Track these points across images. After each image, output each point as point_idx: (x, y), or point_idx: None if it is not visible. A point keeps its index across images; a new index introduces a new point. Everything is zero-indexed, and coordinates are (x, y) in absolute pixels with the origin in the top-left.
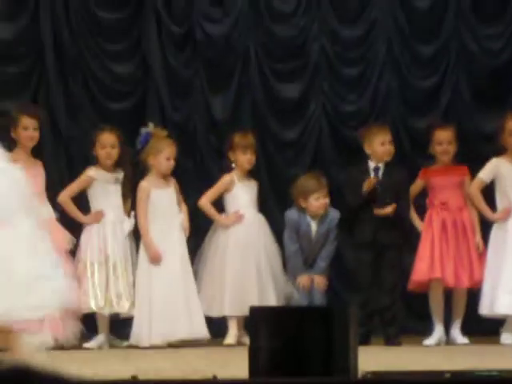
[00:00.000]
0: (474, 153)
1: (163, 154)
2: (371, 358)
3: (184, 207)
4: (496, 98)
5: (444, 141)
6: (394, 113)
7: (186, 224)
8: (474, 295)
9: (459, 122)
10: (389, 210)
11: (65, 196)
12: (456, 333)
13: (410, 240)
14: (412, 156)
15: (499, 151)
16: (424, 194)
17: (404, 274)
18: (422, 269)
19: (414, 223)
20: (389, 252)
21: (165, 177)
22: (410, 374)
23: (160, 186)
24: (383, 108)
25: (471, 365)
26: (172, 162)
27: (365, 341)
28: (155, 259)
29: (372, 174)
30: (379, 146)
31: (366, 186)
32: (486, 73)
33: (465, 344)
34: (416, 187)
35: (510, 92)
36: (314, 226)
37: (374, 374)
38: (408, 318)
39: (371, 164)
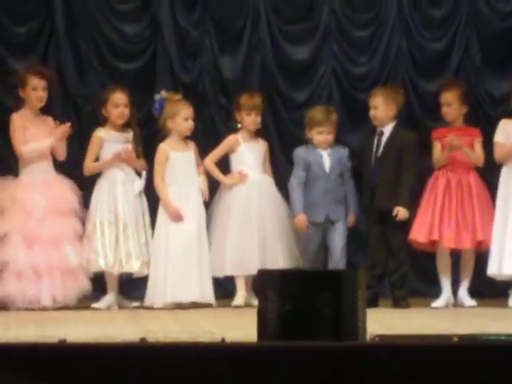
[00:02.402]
0: (484, 115)
1: (180, 116)
2: (379, 321)
3: (203, 171)
4: (506, 60)
5: (444, 102)
6: (403, 75)
7: (205, 187)
8: (483, 257)
9: (469, 84)
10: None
11: (89, 164)
12: (464, 295)
13: (414, 204)
14: (422, 118)
15: (510, 114)
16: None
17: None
18: (420, 230)
19: None
20: (393, 215)
21: (185, 140)
22: (418, 337)
23: (179, 149)
24: (393, 70)
25: (479, 328)
26: (190, 122)
27: (373, 303)
28: (176, 216)
29: (376, 138)
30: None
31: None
32: (496, 35)
33: (472, 306)
34: (436, 150)
35: None
36: (325, 155)
37: (382, 337)
38: (417, 280)
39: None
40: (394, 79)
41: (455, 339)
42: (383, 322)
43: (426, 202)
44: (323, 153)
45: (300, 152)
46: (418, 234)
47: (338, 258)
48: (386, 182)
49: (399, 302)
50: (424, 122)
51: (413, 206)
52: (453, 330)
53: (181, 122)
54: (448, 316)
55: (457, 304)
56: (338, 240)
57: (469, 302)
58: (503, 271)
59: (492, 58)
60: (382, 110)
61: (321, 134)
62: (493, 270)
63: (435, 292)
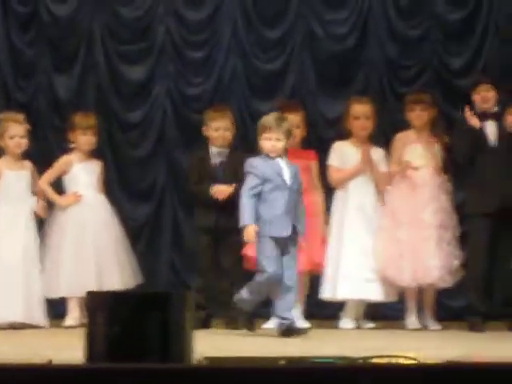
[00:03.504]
0: (317, 137)
1: (7, 134)
2: (211, 343)
3: (39, 191)
4: (341, 82)
5: None
6: (238, 96)
7: (40, 207)
8: (316, 279)
9: (304, 105)
10: (228, 189)
11: None
12: (297, 317)
13: None
14: (255, 140)
15: (342, 135)
16: None
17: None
18: None
19: None
20: (229, 236)
21: (20, 159)
22: (246, 360)
23: (13, 168)
24: (228, 91)
25: (309, 350)
26: (17, 140)
27: (205, 325)
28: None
29: (213, 159)
30: (214, 132)
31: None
32: (330, 57)
33: (305, 328)
34: None
35: (353, 77)
36: (283, 165)
37: (210, 359)
38: None
39: (213, 149)
40: (229, 100)
41: (282, 362)
42: (216, 343)
43: None
44: (281, 163)
45: (255, 162)
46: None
47: (294, 275)
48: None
49: (232, 324)
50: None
51: None
52: (283, 351)
53: (8, 140)
54: (279, 337)
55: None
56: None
57: (302, 323)
58: (337, 295)
59: (326, 80)
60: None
61: (269, 141)
62: (326, 294)
63: (269, 313)
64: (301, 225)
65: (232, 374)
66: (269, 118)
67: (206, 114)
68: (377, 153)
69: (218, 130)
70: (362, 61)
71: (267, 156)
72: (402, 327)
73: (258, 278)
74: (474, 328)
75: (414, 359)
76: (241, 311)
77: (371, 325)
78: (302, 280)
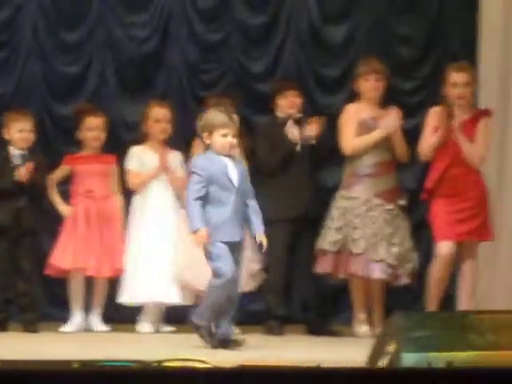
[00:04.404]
0: (117, 141)
1: None
2: (9, 346)
3: None
4: (141, 85)
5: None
6: (38, 99)
7: None
8: (114, 283)
9: (104, 109)
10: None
11: None
12: (96, 320)
13: (51, 224)
14: (56, 143)
15: (141, 139)
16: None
17: (44, 258)
18: (63, 256)
19: (58, 208)
20: (26, 238)
21: None
22: (40, 363)
23: None
24: (28, 94)
25: (108, 353)
26: None
27: (2, 327)
28: None
29: (16, 160)
30: (16, 133)
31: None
32: (131, 60)
33: (104, 331)
34: (59, 173)
35: (154, 80)
36: (230, 164)
37: (4, 362)
38: (49, 304)
39: (14, 150)
40: (28, 103)
41: (75, 365)
42: (13, 346)
43: (66, 229)
44: (228, 161)
45: (200, 161)
46: (60, 259)
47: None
48: None
49: (29, 326)
50: None
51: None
52: (80, 354)
53: None
54: (78, 340)
55: (88, 329)
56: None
57: (100, 326)
58: (135, 299)
59: (127, 83)
60: None
61: (225, 137)
62: (123, 297)
63: (66, 315)
64: (256, 223)
65: (25, 376)
66: (220, 115)
67: (7, 116)
68: (175, 157)
69: (21, 131)
70: (163, 64)
71: (214, 154)
72: None
73: (214, 281)
74: (272, 331)
75: (206, 362)
76: (197, 326)
77: (170, 328)
78: (101, 284)
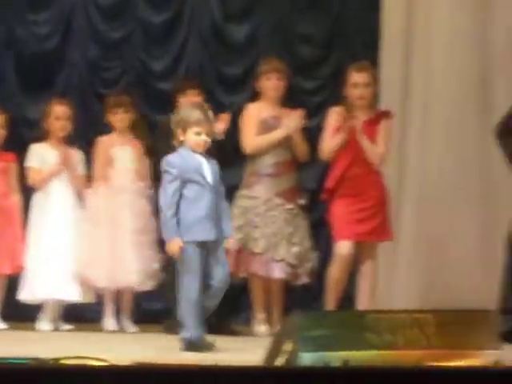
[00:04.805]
0: (18, 139)
1: None
2: None
3: None
4: (42, 83)
5: None
6: None
7: None
8: (14, 280)
9: (4, 107)
10: None
11: None
12: None
13: None
14: None
15: (42, 137)
16: None
17: None
18: None
19: None
20: None
21: None
22: None
23: None
24: None
25: (6, 351)
26: None
27: None
28: None
29: None
30: None
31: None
32: (32, 58)
33: (2, 329)
34: None
35: (55, 78)
36: (204, 162)
37: None
38: None
39: None
40: None
41: None
42: None
43: None
44: (202, 159)
45: (173, 159)
46: None
47: (226, 276)
48: None
49: None
50: None
51: None
52: None
53: None
54: None
55: None
56: (222, 257)
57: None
58: (35, 296)
59: (28, 81)
60: None
61: (198, 135)
62: (24, 294)
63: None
64: (226, 225)
65: None
66: (195, 112)
67: None
68: (75, 155)
69: None
70: (64, 61)
71: (188, 152)
72: (100, 329)
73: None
74: (171, 330)
75: (105, 361)
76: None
77: (69, 326)
78: (0, 281)
